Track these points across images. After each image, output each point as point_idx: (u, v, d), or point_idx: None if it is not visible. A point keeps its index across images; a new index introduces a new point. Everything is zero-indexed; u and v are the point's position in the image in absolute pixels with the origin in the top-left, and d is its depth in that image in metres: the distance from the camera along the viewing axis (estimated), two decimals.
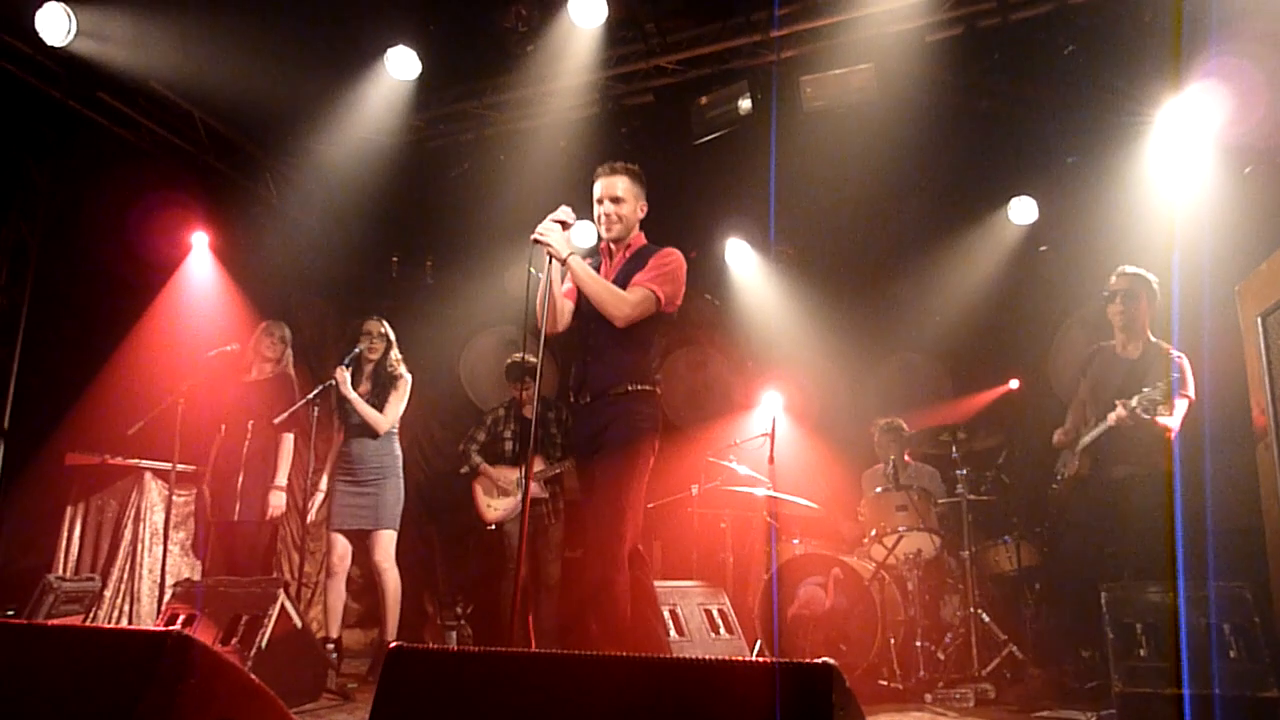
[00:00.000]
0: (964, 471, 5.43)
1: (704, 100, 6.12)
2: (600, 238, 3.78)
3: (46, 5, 5.24)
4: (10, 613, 5.18)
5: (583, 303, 3.64)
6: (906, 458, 6.20)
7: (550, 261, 3.50)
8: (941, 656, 5.12)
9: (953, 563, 5.55)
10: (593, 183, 3.76)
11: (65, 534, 5.61)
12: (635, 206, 3.75)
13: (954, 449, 5.40)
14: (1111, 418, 4.45)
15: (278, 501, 5.34)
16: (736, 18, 5.91)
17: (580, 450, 3.69)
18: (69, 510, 5.66)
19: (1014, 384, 7.05)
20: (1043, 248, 6.98)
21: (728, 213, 7.38)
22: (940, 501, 5.60)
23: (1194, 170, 5.54)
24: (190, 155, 6.83)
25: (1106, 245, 5.97)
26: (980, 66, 5.70)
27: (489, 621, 6.53)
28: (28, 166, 6.38)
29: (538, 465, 5.86)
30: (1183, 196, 5.54)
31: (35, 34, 5.29)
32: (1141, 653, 3.73)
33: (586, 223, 3.83)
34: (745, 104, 6.00)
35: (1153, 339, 4.73)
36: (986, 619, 5.15)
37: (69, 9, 5.30)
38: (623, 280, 3.63)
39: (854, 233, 7.19)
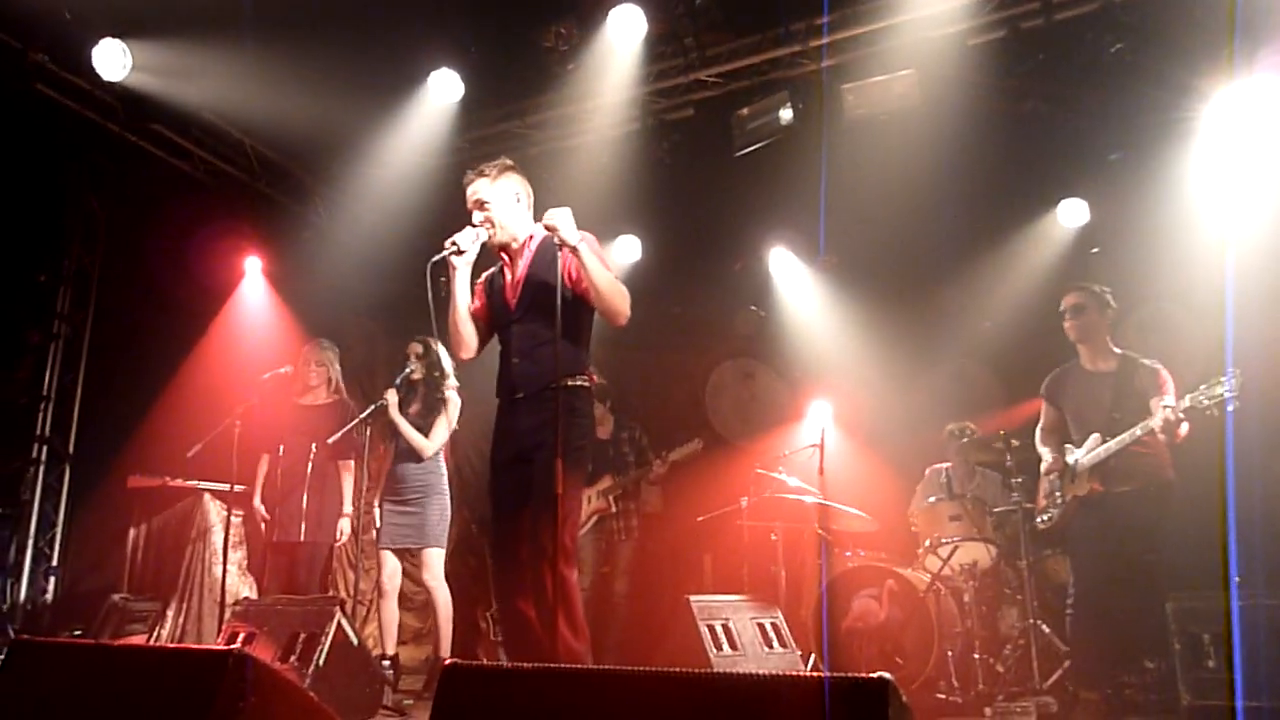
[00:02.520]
0: (1019, 479, 5.33)
1: (745, 112, 6.12)
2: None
3: (103, 41, 5.42)
4: (77, 633, 5.33)
5: (526, 297, 3.48)
6: (975, 466, 6.13)
7: (451, 277, 3.44)
8: (1001, 669, 5.03)
9: (1010, 573, 5.45)
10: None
11: (129, 555, 5.76)
12: (509, 202, 3.60)
13: (1008, 456, 5.30)
14: (1158, 421, 4.34)
15: (344, 527, 5.49)
16: (776, 28, 5.91)
17: (520, 446, 3.46)
18: (132, 532, 5.81)
19: None
20: (1095, 250, 6.85)
21: (771, 223, 7.37)
22: (996, 510, 5.51)
23: (1248, 165, 5.42)
24: (242, 183, 7.01)
25: (1161, 245, 5.85)
26: (1024, 68, 5.63)
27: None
28: (88, 198, 6.60)
29: (606, 482, 5.96)
30: (1237, 192, 5.43)
31: (92, 69, 5.47)
32: (1210, 664, 3.64)
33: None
34: (786, 114, 6.00)
35: (1116, 350, 4.76)
36: (1046, 630, 5.04)
37: (124, 44, 5.47)
38: (544, 272, 3.46)
39: (900, 240, 7.12)
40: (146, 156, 6.45)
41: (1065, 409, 4.87)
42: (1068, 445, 4.81)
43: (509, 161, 3.69)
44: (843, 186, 6.37)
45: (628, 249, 6.56)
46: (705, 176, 6.63)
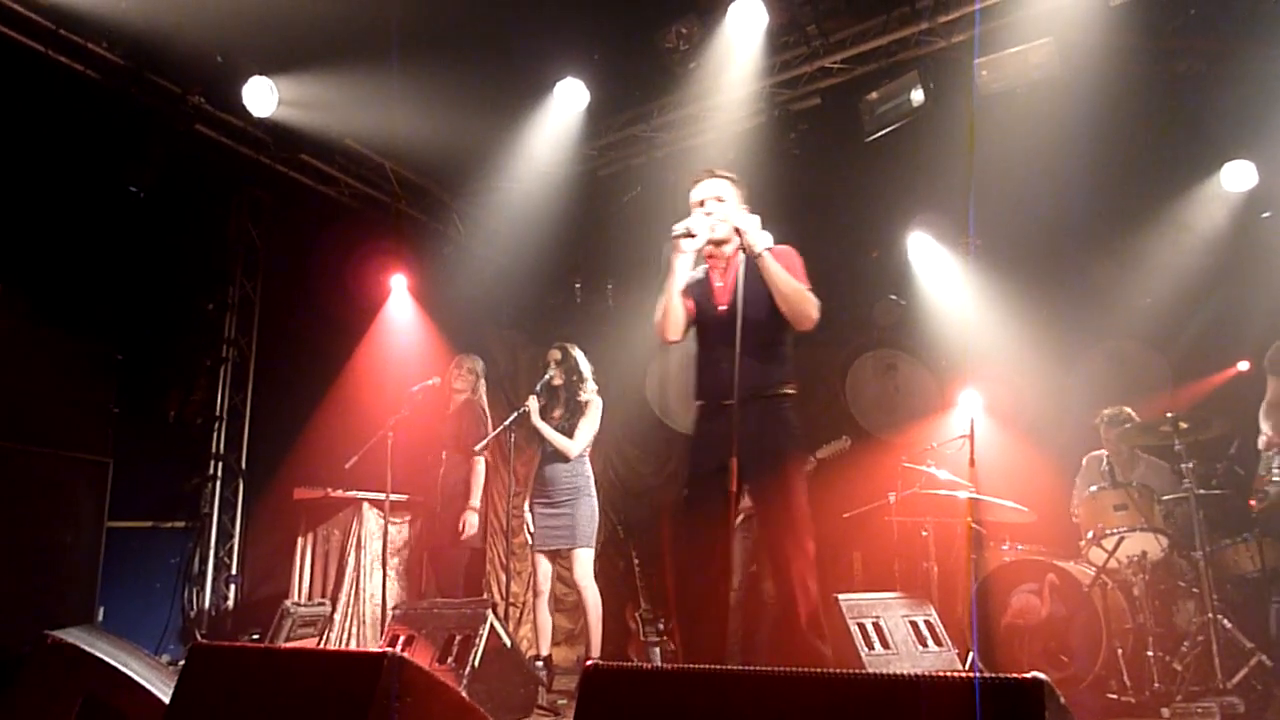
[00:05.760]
0: (1190, 464, 4.98)
1: (874, 96, 5.98)
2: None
3: (251, 80, 5.76)
4: (255, 637, 5.68)
5: (737, 303, 3.46)
6: (1137, 452, 5.79)
7: (673, 257, 3.52)
8: (1178, 667, 4.71)
9: (1184, 564, 5.10)
10: (691, 187, 3.73)
11: (298, 563, 6.09)
12: (734, 206, 3.68)
13: (1176, 441, 4.97)
14: None
15: (472, 521, 5.68)
16: (900, 7, 5.75)
17: (728, 453, 3.41)
18: (299, 541, 6.14)
19: (1243, 365, 6.42)
20: (1266, 214, 6.35)
21: (907, 209, 7.15)
22: (1165, 498, 5.17)
23: None
24: (385, 204, 7.34)
25: None
26: (1173, 26, 5.28)
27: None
28: (248, 229, 7.04)
29: None
30: None
31: (243, 107, 5.82)
32: None
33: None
34: (918, 96, 5.82)
35: None
36: (1228, 625, 4.69)
37: (271, 81, 5.81)
38: (756, 280, 3.52)
39: (1047, 217, 6.78)
40: (297, 186, 6.84)
41: None
42: None
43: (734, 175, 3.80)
44: (982, 165, 6.12)
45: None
46: (835, 165, 6.50)
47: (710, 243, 3.64)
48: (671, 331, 3.65)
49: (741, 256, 3.58)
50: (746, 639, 5.82)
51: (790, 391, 3.57)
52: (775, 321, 3.49)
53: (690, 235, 3.53)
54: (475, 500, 5.72)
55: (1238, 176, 6.20)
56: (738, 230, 3.48)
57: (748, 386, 3.40)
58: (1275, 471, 4.42)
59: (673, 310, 3.62)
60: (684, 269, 3.59)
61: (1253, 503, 4.52)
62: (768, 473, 3.42)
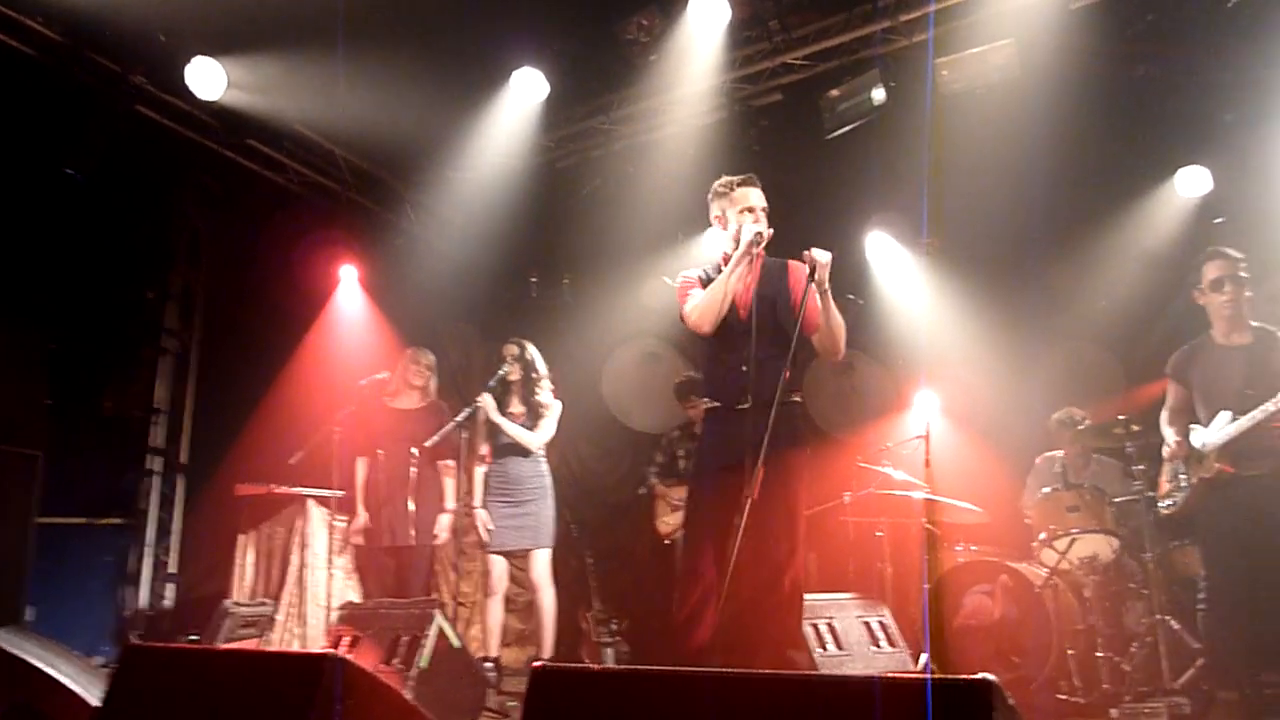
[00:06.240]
0: (1142, 466, 5.09)
1: (835, 93, 6.03)
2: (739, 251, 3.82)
3: (195, 60, 5.64)
4: (194, 638, 5.59)
5: (759, 312, 3.73)
6: (1090, 453, 5.90)
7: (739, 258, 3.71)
8: (1127, 668, 4.82)
9: (1134, 566, 5.22)
10: (731, 191, 3.90)
11: (239, 562, 5.99)
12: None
13: (1128, 443, 5.07)
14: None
15: (444, 523, 5.63)
16: (863, 5, 5.80)
17: (739, 454, 3.54)
18: (241, 538, 6.04)
19: None
20: (1218, 220, 6.50)
21: (866, 208, 7.21)
22: (1116, 500, 5.28)
23: None
24: (335, 192, 7.24)
25: None
26: (1133, 31, 5.38)
27: (652, 636, 6.63)
28: (190, 215, 6.90)
29: None
30: None
31: (188, 89, 5.70)
32: None
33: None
34: (879, 94, 5.88)
35: (1254, 323, 4.45)
36: (1176, 626, 4.81)
37: (217, 62, 5.69)
38: (774, 292, 3.80)
39: (1005, 219, 6.88)
40: (243, 172, 6.71)
41: (1193, 387, 4.60)
42: (1193, 426, 4.56)
43: None
44: (942, 165, 6.20)
45: (716, 241, 6.53)
46: (795, 162, 6.53)
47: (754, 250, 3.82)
48: (712, 325, 3.77)
49: (760, 266, 3.84)
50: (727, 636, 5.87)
51: (799, 400, 3.78)
52: (791, 332, 3.60)
53: (764, 241, 3.76)
54: (450, 503, 5.67)
55: (1191, 182, 6.34)
56: (816, 262, 3.56)
57: (763, 393, 3.53)
58: (1181, 478, 4.56)
59: (721, 308, 3.76)
60: (743, 272, 3.78)
61: (1166, 510, 4.65)
62: (776, 479, 3.50)
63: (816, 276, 3.57)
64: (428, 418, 5.67)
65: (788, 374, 3.46)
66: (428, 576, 5.94)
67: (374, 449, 5.67)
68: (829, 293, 3.65)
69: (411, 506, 5.50)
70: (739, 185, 3.91)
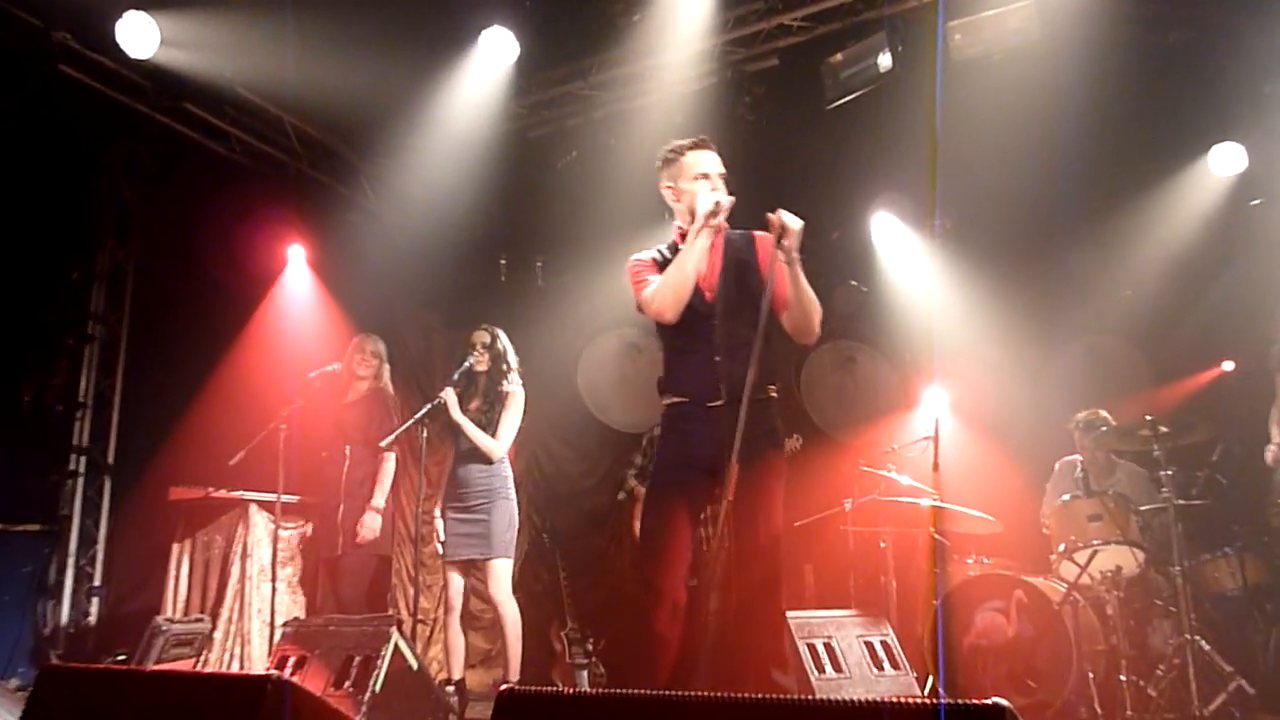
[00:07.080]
0: (1169, 472, 5.12)
1: (837, 58, 6.04)
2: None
3: (127, 15, 5.58)
4: (121, 657, 5.54)
5: (724, 292, 3.59)
6: (1114, 458, 5.94)
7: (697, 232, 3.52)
8: (1153, 692, 4.86)
9: (1161, 581, 5.27)
10: (681, 156, 3.75)
11: (173, 573, 5.95)
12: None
13: (1155, 446, 5.11)
14: None
15: (372, 524, 5.58)
16: None
17: (709, 453, 3.49)
18: (175, 548, 6.00)
19: (1228, 366, 6.64)
20: (1256, 200, 6.56)
21: (871, 185, 7.23)
22: (1142, 509, 5.32)
23: None
24: (282, 163, 7.19)
25: None
26: None
27: (631, 657, 6.63)
28: (120, 187, 6.83)
29: None
30: None
31: (118, 47, 5.64)
32: None
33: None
34: (885, 60, 5.89)
35: None
36: (1206, 647, 4.85)
37: (151, 18, 5.63)
38: (741, 268, 3.64)
39: (1022, 199, 6.92)
40: (180, 140, 6.66)
41: None
42: None
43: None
44: (953, 139, 6.21)
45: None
46: (793, 134, 6.55)
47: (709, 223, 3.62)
48: (675, 312, 3.61)
49: (723, 241, 3.67)
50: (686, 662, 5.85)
51: (774, 394, 3.64)
52: (760, 315, 3.40)
53: (720, 211, 3.55)
54: (379, 500, 5.63)
55: (1227, 159, 6.39)
56: (785, 227, 3.41)
57: (733, 387, 3.40)
58: None
59: (683, 292, 3.58)
60: (704, 247, 3.57)
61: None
62: (753, 482, 3.41)
63: (784, 244, 3.40)
64: (367, 409, 5.67)
65: (754, 371, 3.27)
66: (379, 590, 5.93)
67: (321, 449, 5.66)
68: (798, 262, 3.46)
69: (341, 512, 5.54)
70: (690, 149, 3.76)
